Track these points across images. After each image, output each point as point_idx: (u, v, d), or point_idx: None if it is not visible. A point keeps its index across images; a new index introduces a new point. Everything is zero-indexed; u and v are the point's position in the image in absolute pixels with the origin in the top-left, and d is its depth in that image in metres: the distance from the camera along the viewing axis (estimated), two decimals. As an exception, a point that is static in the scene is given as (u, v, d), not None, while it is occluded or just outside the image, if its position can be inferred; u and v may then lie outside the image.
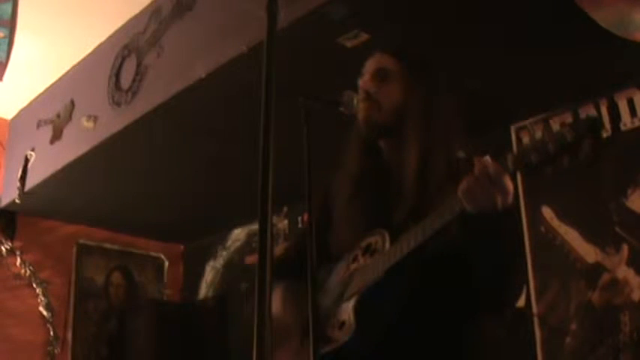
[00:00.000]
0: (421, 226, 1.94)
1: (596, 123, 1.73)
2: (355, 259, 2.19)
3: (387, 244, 2.08)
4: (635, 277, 3.90)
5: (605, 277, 4.03)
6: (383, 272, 2.03)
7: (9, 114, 6.29)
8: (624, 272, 3.95)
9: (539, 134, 1.75)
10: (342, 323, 2.07)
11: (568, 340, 4.10)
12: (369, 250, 2.15)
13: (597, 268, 4.07)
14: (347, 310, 2.08)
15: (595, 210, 4.15)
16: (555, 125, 4.36)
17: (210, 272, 6.93)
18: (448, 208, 1.88)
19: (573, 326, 4.10)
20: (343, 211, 2.30)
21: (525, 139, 4.46)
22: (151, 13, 4.73)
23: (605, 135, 4.01)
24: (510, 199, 1.83)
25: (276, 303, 2.28)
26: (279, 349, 2.23)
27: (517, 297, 2.06)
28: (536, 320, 4.25)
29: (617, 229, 4.03)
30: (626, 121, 4.12)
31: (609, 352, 3.90)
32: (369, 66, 2.34)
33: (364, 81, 2.30)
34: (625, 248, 3.98)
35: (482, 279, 1.95)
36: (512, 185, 1.83)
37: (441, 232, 1.90)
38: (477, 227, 1.85)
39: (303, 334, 2.14)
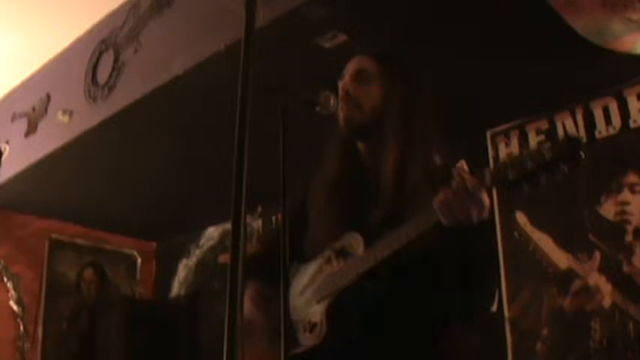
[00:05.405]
0: (396, 234, 1.94)
1: (576, 144, 1.67)
2: (329, 261, 2.19)
3: (361, 248, 2.07)
4: (606, 284, 3.93)
5: (577, 284, 4.05)
6: (356, 277, 2.03)
7: (-17, 107, 6.22)
8: (596, 279, 3.98)
9: (517, 150, 1.73)
10: (314, 326, 2.07)
11: (539, 345, 4.12)
12: (342, 254, 2.15)
13: (569, 275, 4.10)
14: (318, 313, 2.08)
15: (568, 217, 4.17)
16: (531, 132, 4.40)
17: (182, 270, 6.91)
18: (424, 219, 1.87)
19: (544, 332, 4.12)
20: (319, 212, 2.29)
21: (501, 145, 4.49)
22: (129, 9, 4.70)
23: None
24: (486, 213, 1.83)
25: (245, 304, 2.26)
26: (246, 349, 2.21)
27: (489, 307, 2.04)
28: (507, 325, 4.27)
29: (590, 236, 4.06)
30: (601, 129, 4.15)
31: (579, 358, 3.93)
32: (350, 67, 2.34)
33: (344, 81, 2.29)
34: (597, 255, 4.00)
35: (454, 288, 1.95)
36: (489, 200, 1.83)
37: (416, 240, 1.90)
38: (452, 238, 1.85)
39: (272, 335, 2.13)
